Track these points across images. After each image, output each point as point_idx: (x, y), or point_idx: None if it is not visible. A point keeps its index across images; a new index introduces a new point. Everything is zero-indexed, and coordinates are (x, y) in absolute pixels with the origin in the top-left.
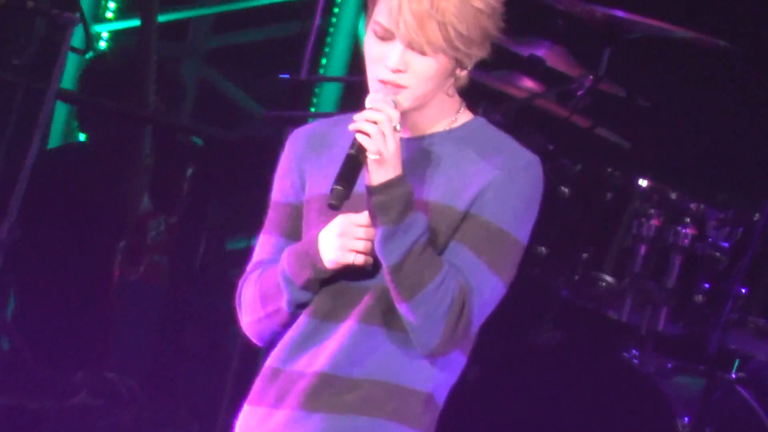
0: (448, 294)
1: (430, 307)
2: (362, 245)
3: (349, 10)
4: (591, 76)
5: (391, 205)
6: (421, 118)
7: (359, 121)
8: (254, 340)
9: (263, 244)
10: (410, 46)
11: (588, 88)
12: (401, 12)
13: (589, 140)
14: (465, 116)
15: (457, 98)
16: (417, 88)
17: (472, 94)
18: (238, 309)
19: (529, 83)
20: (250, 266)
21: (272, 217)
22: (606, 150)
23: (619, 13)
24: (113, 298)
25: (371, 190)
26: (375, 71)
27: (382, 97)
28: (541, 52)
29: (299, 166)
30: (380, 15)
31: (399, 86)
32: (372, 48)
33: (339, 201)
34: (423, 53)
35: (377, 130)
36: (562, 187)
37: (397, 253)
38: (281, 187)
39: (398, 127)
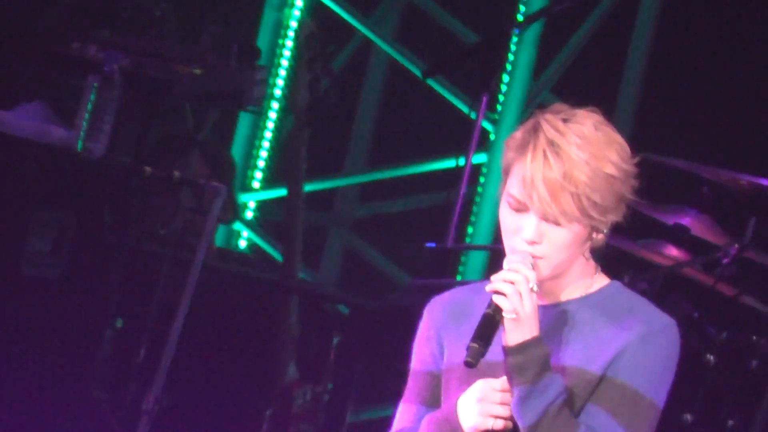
0: None
1: None
2: (501, 410)
3: (495, 178)
4: (736, 245)
5: (528, 365)
6: (558, 286)
7: (496, 281)
8: None
9: (403, 413)
10: (545, 218)
11: (733, 256)
12: (534, 185)
13: (735, 308)
14: (601, 280)
15: (592, 262)
16: (553, 257)
17: (618, 262)
18: None
19: (674, 251)
20: None
21: (412, 385)
22: (752, 318)
23: (765, 182)
24: None
25: (508, 351)
26: (511, 242)
27: (519, 259)
28: (686, 221)
29: (438, 334)
30: (513, 187)
31: (536, 257)
32: (507, 219)
33: (475, 359)
34: (558, 224)
35: (514, 290)
36: (708, 355)
37: (533, 414)
38: (420, 356)
39: (535, 288)
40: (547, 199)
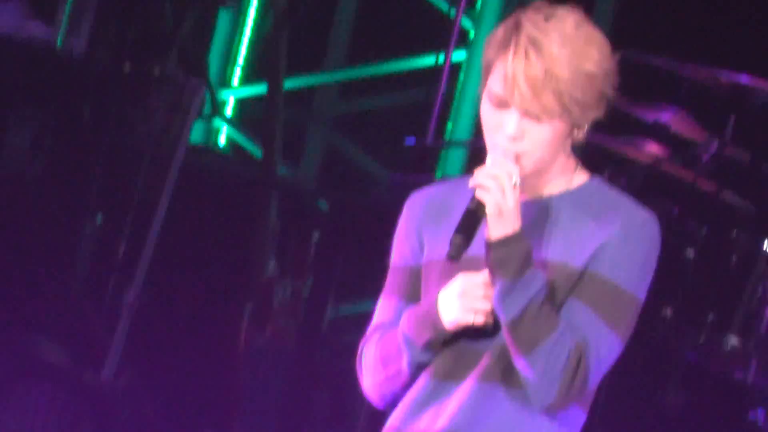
0: (564, 349)
1: (547, 363)
2: (482, 305)
3: (475, 75)
4: (716, 141)
5: (510, 259)
6: (539, 181)
7: (479, 176)
8: (375, 402)
9: (383, 308)
10: (526, 114)
11: (713, 153)
12: (516, 82)
13: (715, 204)
14: (581, 176)
15: (573, 158)
16: (535, 153)
17: (597, 157)
18: (359, 372)
19: (654, 148)
20: (370, 329)
21: (391, 280)
22: (731, 214)
23: (744, 80)
24: (240, 361)
25: (490, 245)
26: (493, 138)
27: (502, 154)
28: (665, 118)
29: (418, 229)
30: (495, 84)
31: (517, 153)
32: (488, 116)
33: (458, 252)
34: (539, 120)
35: (497, 185)
36: (688, 250)
37: (516, 308)
38: (400, 251)
39: (518, 183)
40: (529, 95)
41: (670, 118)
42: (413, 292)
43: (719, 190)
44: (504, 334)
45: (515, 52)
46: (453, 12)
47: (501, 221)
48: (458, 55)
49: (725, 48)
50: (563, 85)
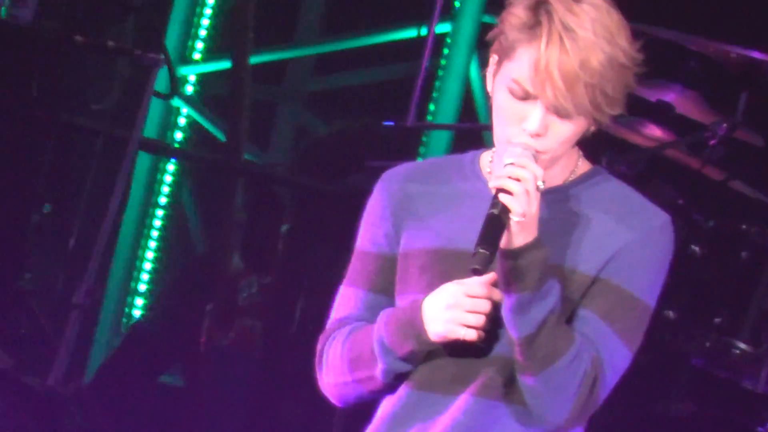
0: (581, 367)
1: (562, 382)
2: (474, 319)
3: (461, 50)
4: (725, 124)
5: (530, 270)
6: (546, 175)
7: (502, 178)
8: (334, 401)
9: (347, 298)
10: (555, 110)
11: (722, 137)
12: (549, 73)
13: (723, 194)
14: (584, 166)
15: (576, 147)
16: (555, 151)
17: (592, 141)
18: (317, 367)
19: (657, 131)
20: (332, 322)
21: (359, 268)
22: (742, 205)
23: (757, 55)
24: (201, 364)
25: (510, 254)
26: (507, 131)
27: (521, 152)
28: (670, 97)
29: (395, 212)
30: (519, 72)
31: (537, 152)
32: (506, 107)
33: (485, 266)
34: (567, 117)
35: (522, 189)
36: (693, 246)
37: (532, 324)
38: (371, 235)
39: (541, 186)
40: (563, 89)
41: (674, 97)
42: (384, 283)
43: (729, 178)
44: (516, 351)
45: (549, 40)
46: None
47: (524, 228)
48: (443, 27)
49: (736, 20)
50: (596, 78)
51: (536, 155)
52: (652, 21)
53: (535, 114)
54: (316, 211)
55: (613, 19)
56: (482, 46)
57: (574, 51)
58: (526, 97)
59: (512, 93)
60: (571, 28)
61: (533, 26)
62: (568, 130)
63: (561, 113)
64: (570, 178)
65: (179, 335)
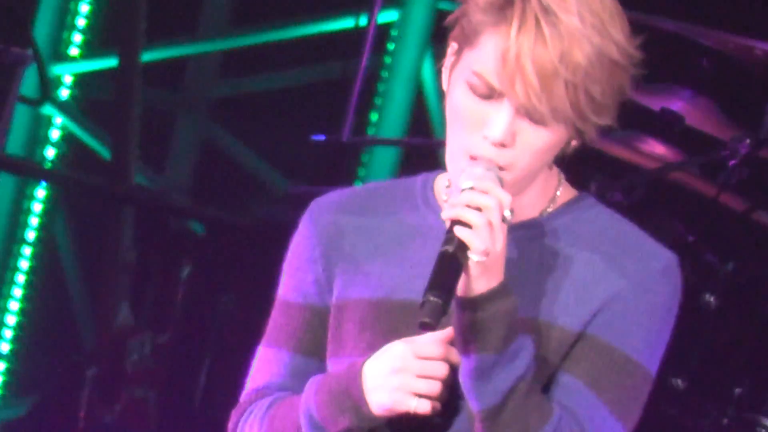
0: None
1: None
2: (427, 386)
3: (411, 45)
4: (747, 139)
5: (494, 324)
6: (516, 204)
7: (458, 206)
8: None
9: (267, 361)
10: (526, 113)
11: (743, 156)
12: (520, 65)
13: (745, 229)
14: (566, 193)
15: (555, 169)
16: (523, 167)
17: (580, 162)
18: None
19: (660, 149)
20: (248, 392)
21: (281, 323)
22: (766, 242)
23: None
24: None
25: (468, 304)
26: (466, 140)
27: (483, 173)
28: (677, 106)
29: (325, 253)
30: (483, 63)
31: (500, 166)
32: (465, 107)
33: (437, 319)
34: (541, 123)
35: (484, 221)
36: (707, 295)
37: (497, 393)
38: (297, 282)
39: (508, 216)
40: (536, 87)
41: (683, 106)
42: (314, 342)
43: (752, 208)
44: (476, 428)
45: (521, 23)
46: None
47: (486, 271)
48: (387, 16)
49: (762, 9)
50: (580, 75)
51: (502, 178)
52: (657, 10)
53: (500, 117)
54: (224, 250)
55: (606, 4)
56: (438, 39)
57: (554, 39)
58: (489, 95)
59: (473, 89)
60: (551, 11)
61: (503, 6)
62: (541, 140)
63: (533, 117)
64: (548, 209)
65: (50, 409)
